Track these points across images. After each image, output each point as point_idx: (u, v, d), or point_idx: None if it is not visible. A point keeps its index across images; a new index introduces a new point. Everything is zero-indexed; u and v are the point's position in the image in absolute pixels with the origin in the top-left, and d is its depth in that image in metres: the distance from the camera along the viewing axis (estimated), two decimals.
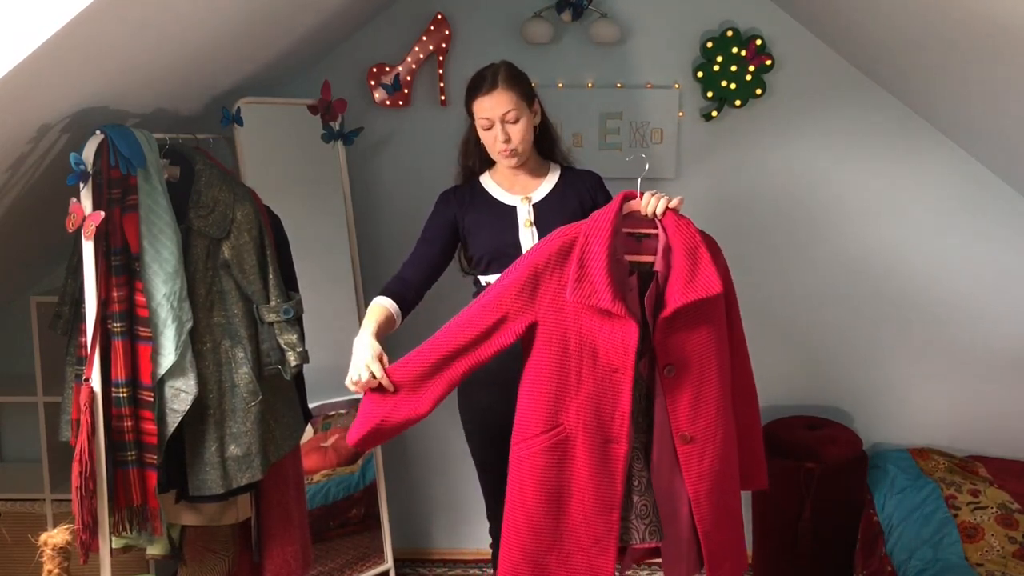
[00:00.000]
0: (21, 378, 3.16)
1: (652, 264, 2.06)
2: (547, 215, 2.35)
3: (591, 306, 1.99)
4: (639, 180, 2.15)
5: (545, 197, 2.40)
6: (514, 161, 2.34)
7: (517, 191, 2.41)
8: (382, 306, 2.25)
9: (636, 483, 2.08)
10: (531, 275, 2.04)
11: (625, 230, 2.06)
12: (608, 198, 2.39)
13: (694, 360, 2.04)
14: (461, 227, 2.42)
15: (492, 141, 2.32)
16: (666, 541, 2.12)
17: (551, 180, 2.43)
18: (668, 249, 2.04)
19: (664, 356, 2.03)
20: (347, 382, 2.05)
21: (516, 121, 2.30)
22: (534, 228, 2.35)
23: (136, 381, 2.24)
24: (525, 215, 2.37)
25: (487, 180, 2.45)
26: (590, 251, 2.00)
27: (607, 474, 2.03)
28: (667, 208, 2.04)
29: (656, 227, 2.06)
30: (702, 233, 2.07)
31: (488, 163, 2.46)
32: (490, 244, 2.37)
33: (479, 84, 2.32)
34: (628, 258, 2.06)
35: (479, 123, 2.34)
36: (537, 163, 2.44)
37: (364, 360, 2.04)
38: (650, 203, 2.05)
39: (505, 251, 2.34)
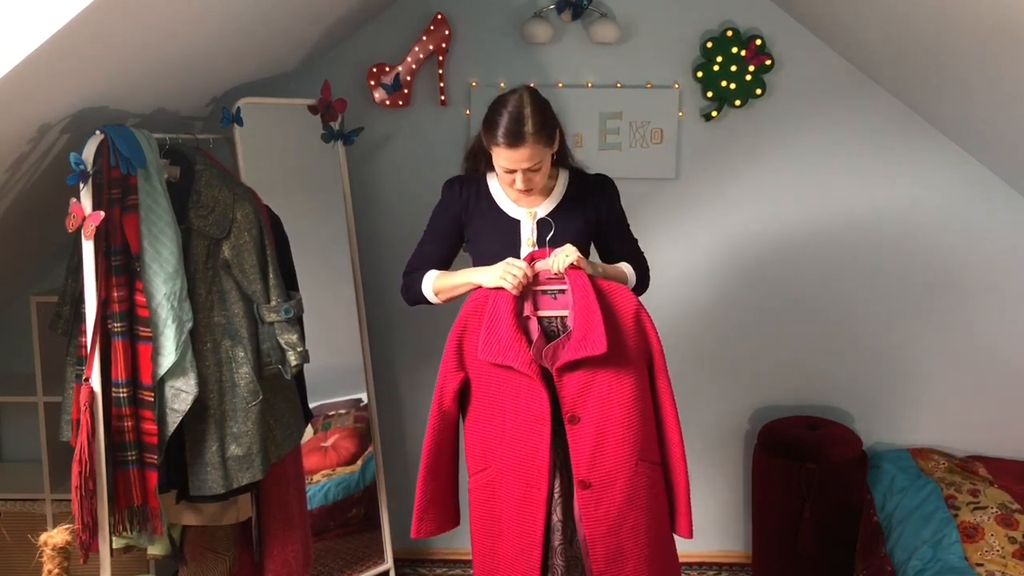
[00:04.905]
0: (21, 378, 3.16)
1: (567, 318, 2.20)
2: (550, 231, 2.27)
3: (496, 364, 2.15)
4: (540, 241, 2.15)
5: (551, 212, 2.30)
6: (529, 196, 2.29)
7: (523, 203, 2.31)
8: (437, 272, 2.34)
9: (556, 518, 2.22)
10: (456, 339, 2.22)
11: (541, 287, 2.20)
12: (614, 201, 2.36)
13: (596, 411, 2.16)
14: (465, 230, 2.36)
15: (510, 183, 2.24)
16: None
17: (559, 192, 2.32)
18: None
19: (567, 406, 2.16)
20: (506, 283, 2.14)
21: (539, 170, 2.21)
22: (536, 247, 2.27)
23: (136, 381, 2.24)
24: (528, 233, 2.28)
25: (494, 184, 2.34)
26: (496, 311, 2.16)
27: (529, 515, 2.19)
28: (568, 265, 2.14)
29: (567, 283, 2.18)
30: (608, 291, 2.17)
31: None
32: (491, 258, 2.25)
33: (504, 132, 2.15)
34: (543, 313, 2.20)
35: (498, 166, 2.22)
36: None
37: (515, 264, 2.16)
38: (554, 261, 2.16)
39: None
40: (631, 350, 2.18)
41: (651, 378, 2.24)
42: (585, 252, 2.29)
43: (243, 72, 2.74)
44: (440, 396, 2.26)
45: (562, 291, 2.19)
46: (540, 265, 2.19)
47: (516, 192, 2.29)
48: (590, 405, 2.15)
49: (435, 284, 2.32)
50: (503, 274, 2.15)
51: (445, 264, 2.39)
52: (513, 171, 2.20)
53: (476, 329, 2.20)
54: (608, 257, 2.40)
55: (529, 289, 2.18)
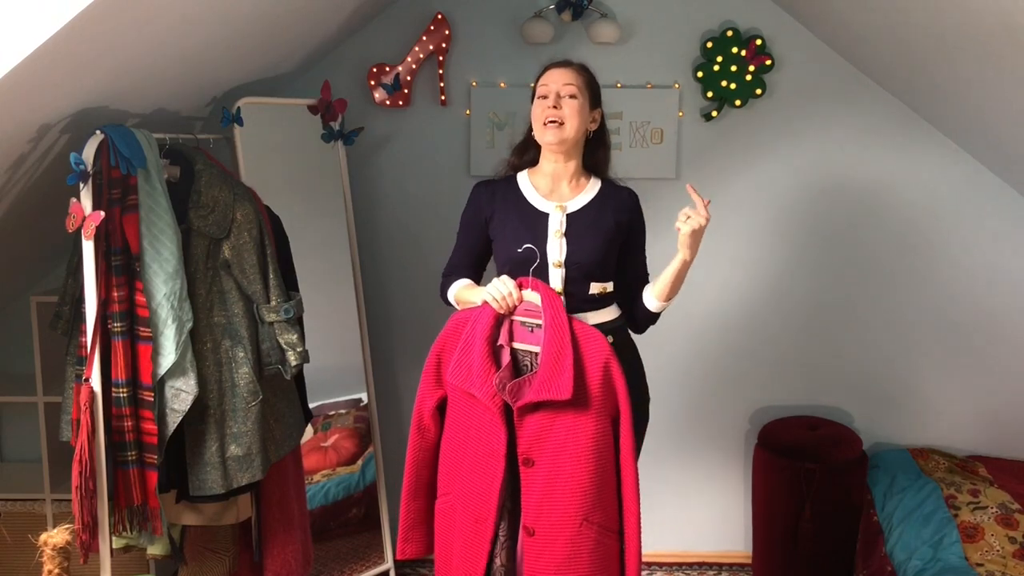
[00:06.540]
0: (21, 378, 3.16)
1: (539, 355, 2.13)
2: (580, 228, 2.24)
3: (463, 390, 2.11)
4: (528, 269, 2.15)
5: (581, 209, 2.26)
6: (557, 138, 2.21)
7: (554, 198, 2.28)
8: (466, 281, 2.32)
9: (498, 563, 2.15)
10: (436, 357, 2.20)
11: (520, 318, 2.13)
12: (642, 220, 2.35)
13: (551, 458, 2.08)
14: (489, 226, 2.32)
15: (541, 110, 2.24)
16: None
17: (590, 192, 2.30)
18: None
19: (523, 447, 2.09)
20: (491, 296, 2.12)
21: (573, 98, 2.22)
22: (564, 240, 2.22)
23: (136, 381, 2.24)
24: (557, 224, 2.23)
25: (524, 180, 2.32)
26: (472, 336, 2.11)
27: (473, 551, 2.14)
28: (691, 230, 2.13)
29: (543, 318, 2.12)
30: (581, 335, 2.07)
31: (532, 164, 2.35)
32: (513, 250, 2.22)
33: (554, 62, 2.30)
34: (518, 346, 2.13)
35: (538, 91, 2.26)
36: (581, 172, 2.31)
37: (505, 283, 2.13)
38: (689, 220, 2.14)
39: (529, 260, 2.19)
40: (595, 402, 2.06)
41: (615, 436, 2.11)
42: (612, 254, 2.27)
43: (243, 72, 2.74)
44: (419, 414, 2.23)
45: (539, 325, 2.09)
46: (525, 295, 2.12)
47: (544, 127, 2.24)
48: (546, 450, 2.07)
49: (456, 294, 2.31)
50: (490, 287, 2.13)
51: (478, 266, 2.38)
52: (549, 94, 2.23)
53: (452, 350, 2.16)
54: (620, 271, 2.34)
55: (507, 317, 2.13)
